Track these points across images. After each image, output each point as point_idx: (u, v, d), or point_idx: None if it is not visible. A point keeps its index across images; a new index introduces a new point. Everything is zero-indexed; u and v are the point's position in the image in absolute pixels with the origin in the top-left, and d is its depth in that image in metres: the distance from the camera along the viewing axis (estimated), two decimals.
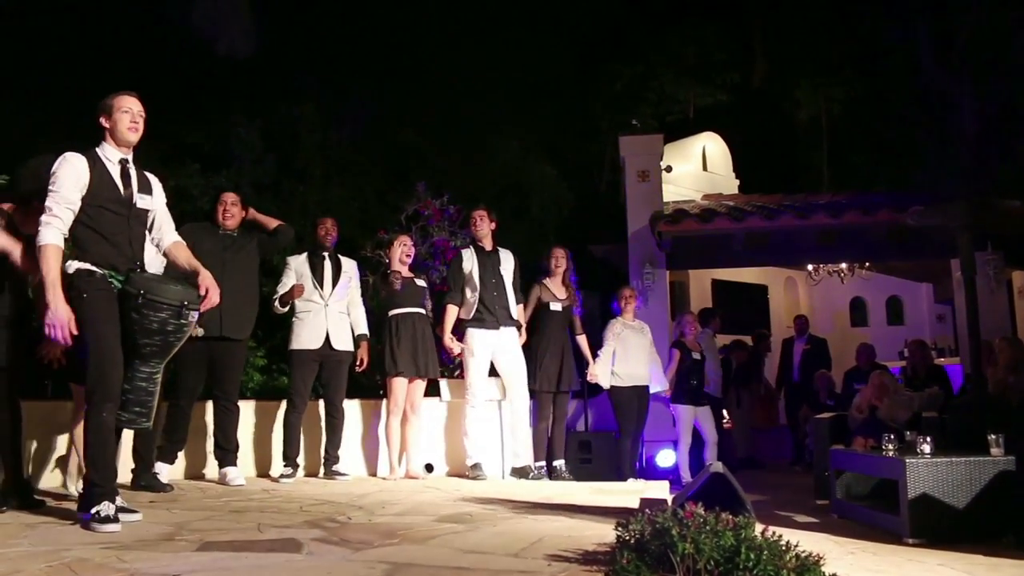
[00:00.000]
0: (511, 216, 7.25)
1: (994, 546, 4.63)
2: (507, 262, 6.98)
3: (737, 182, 14.65)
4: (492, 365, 6.83)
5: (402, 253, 6.81)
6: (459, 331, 6.80)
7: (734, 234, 9.56)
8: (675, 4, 19.63)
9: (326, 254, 6.61)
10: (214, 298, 4.11)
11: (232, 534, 3.68)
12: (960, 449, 5.37)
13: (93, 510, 3.78)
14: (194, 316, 4.03)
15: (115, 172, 4.07)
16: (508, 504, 4.84)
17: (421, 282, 6.87)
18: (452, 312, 6.79)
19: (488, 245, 6.95)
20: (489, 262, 6.89)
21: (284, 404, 6.54)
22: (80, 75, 11.81)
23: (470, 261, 6.86)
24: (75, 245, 3.94)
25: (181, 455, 6.11)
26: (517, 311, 6.95)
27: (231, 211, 6.06)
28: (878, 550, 4.76)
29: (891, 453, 5.46)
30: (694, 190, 12.75)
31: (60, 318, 3.76)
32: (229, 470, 5.98)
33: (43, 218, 3.87)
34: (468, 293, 6.80)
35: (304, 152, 13.27)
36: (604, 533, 3.52)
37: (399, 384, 6.55)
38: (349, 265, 6.75)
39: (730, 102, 20.29)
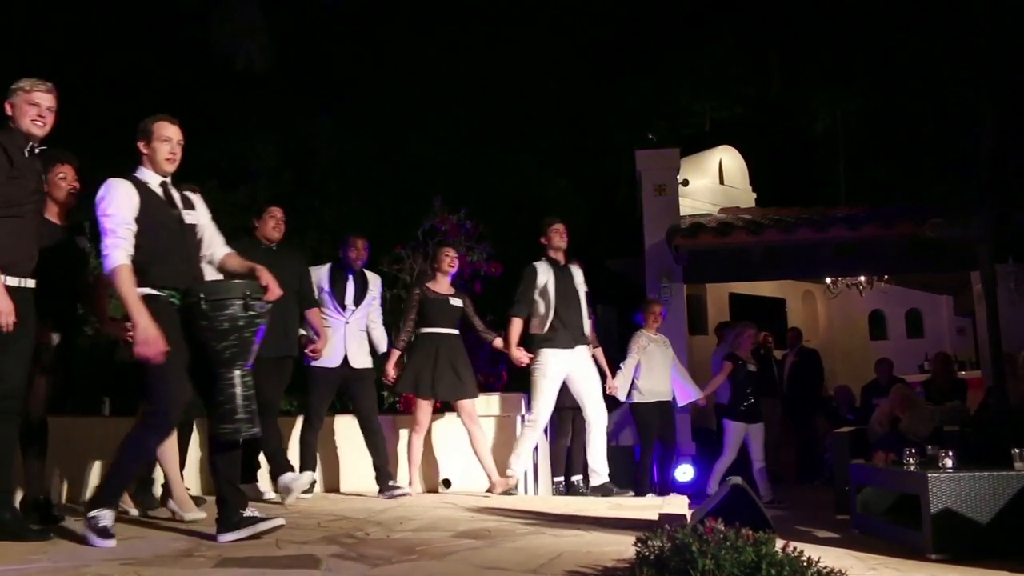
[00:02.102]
0: (527, 231, 7.22)
1: (1019, 563, 4.57)
2: (578, 276, 6.77)
3: (754, 195, 14.63)
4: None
5: (447, 264, 6.52)
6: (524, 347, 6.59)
7: (751, 248, 9.53)
8: (691, 18, 19.64)
9: (352, 274, 6.39)
10: (275, 290, 4.05)
11: (250, 550, 3.67)
12: (983, 463, 5.31)
13: (91, 515, 3.77)
14: (261, 307, 3.97)
15: (159, 193, 4.06)
16: (526, 519, 4.82)
17: (457, 301, 6.53)
18: (518, 325, 6.53)
19: (562, 259, 6.74)
20: (563, 276, 6.67)
21: (299, 421, 6.44)
22: (96, 92, 11.91)
23: (546, 274, 6.60)
24: (133, 271, 3.88)
25: (198, 470, 6.11)
26: (588, 327, 6.76)
27: (280, 225, 5.99)
28: (900, 566, 4.71)
29: (912, 467, 5.40)
30: (711, 204, 12.74)
31: (152, 335, 3.71)
32: (291, 475, 5.81)
33: (107, 241, 3.82)
34: (542, 308, 6.55)
35: (321, 167, 13.32)
36: (623, 549, 3.50)
37: (422, 405, 6.33)
38: (375, 283, 6.54)
39: (746, 115, 20.26)
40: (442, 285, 6.52)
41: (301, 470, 6.18)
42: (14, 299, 3.84)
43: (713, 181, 14.08)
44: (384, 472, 6.16)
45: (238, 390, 3.91)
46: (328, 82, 15.35)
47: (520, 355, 6.51)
